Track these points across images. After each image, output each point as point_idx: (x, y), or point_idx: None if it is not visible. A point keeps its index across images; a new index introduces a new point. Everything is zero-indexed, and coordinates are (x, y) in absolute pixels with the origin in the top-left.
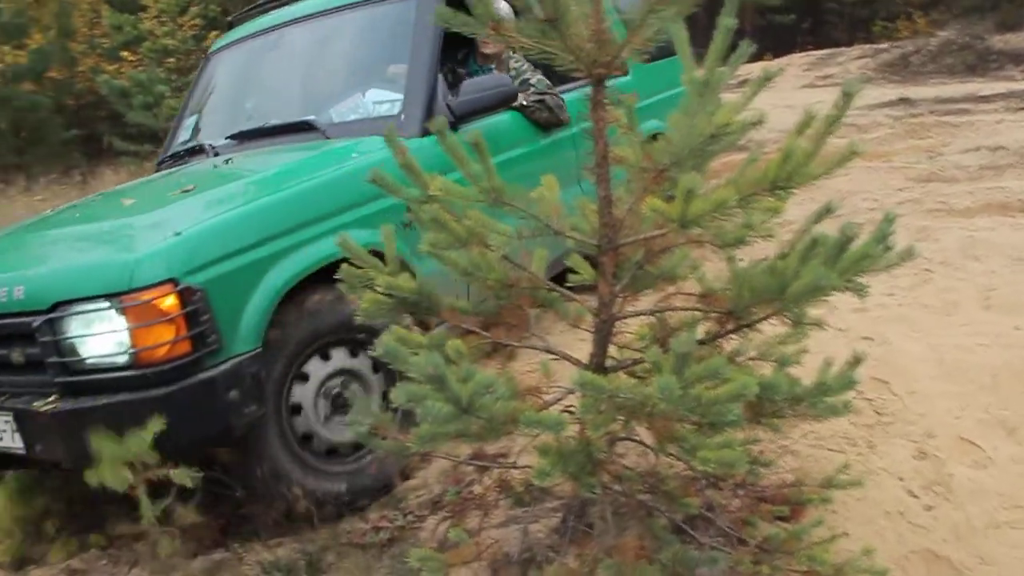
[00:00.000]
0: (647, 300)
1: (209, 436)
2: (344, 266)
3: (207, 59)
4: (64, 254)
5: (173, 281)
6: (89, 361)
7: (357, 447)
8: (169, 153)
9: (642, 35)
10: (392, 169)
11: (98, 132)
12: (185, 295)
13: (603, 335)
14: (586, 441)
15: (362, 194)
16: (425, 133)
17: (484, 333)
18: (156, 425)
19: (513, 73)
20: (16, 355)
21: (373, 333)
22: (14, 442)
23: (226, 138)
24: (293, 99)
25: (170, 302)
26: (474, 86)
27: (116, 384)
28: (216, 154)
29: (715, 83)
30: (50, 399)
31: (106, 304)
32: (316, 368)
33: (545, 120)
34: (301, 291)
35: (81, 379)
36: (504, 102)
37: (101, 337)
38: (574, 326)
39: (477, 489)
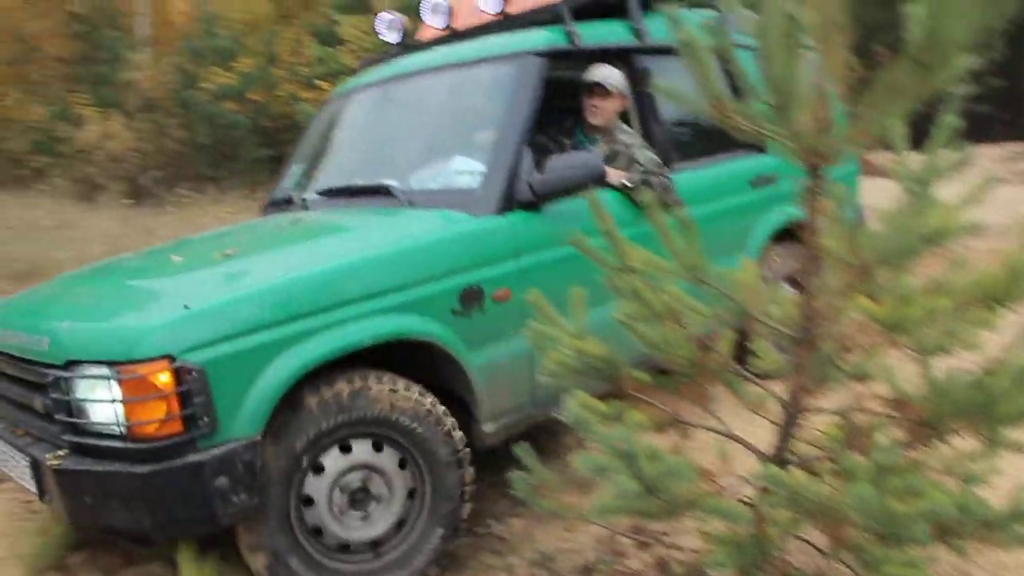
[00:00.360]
0: (833, 396)
1: (192, 521)
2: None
3: (324, 104)
4: (91, 311)
5: (169, 357)
6: (92, 425)
7: (375, 544)
8: (270, 200)
9: (866, 129)
10: (458, 248)
11: (287, 154)
12: (181, 373)
13: (788, 427)
14: (763, 536)
15: (409, 276)
16: (505, 209)
17: (663, 407)
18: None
19: (621, 147)
20: (38, 404)
21: (395, 428)
22: (31, 486)
23: (316, 192)
24: (385, 158)
25: (164, 379)
26: (560, 163)
27: (112, 453)
28: (305, 208)
29: (930, 180)
30: (60, 453)
31: (106, 371)
32: (333, 460)
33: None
34: (321, 377)
35: (85, 441)
36: (590, 183)
37: (101, 404)
38: (753, 411)
39: (633, 564)
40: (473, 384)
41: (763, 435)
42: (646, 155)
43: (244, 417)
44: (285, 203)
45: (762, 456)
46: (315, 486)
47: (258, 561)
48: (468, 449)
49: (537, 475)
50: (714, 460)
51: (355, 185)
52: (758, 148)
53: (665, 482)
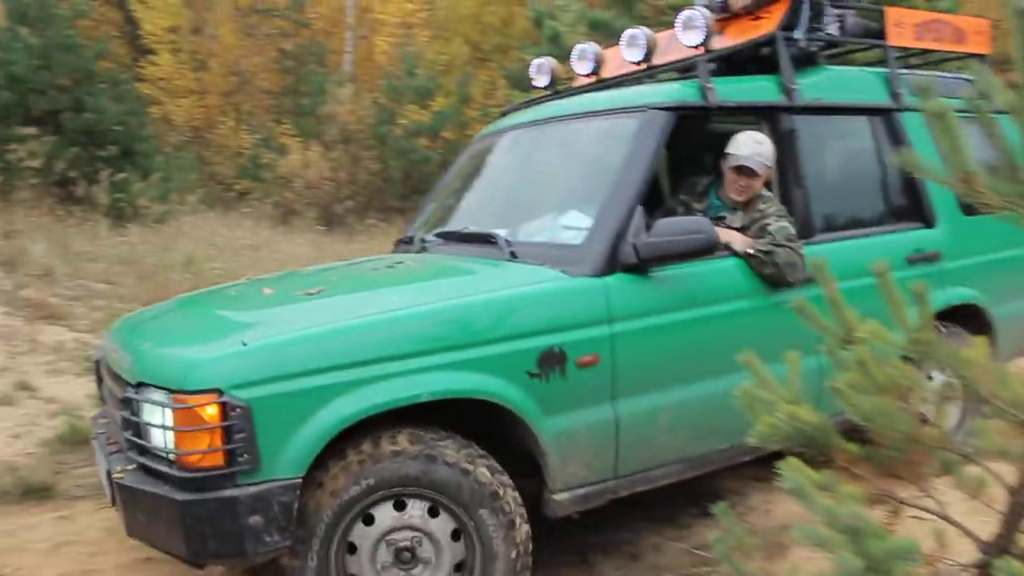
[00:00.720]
0: None
1: (223, 554)
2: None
3: (467, 146)
4: (172, 335)
5: (218, 391)
6: (150, 446)
7: None
8: (402, 237)
9: None
10: (540, 308)
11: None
12: (227, 408)
13: (1014, 517)
14: None
15: (479, 333)
16: (606, 271)
17: (876, 483)
18: None
19: (756, 214)
20: (119, 418)
21: (448, 495)
22: (107, 493)
23: (433, 235)
24: (505, 205)
25: (211, 412)
26: (667, 227)
27: (163, 476)
28: (422, 249)
29: None
30: (127, 468)
31: (164, 398)
32: (384, 515)
33: (769, 276)
34: (381, 429)
35: (146, 461)
36: (697, 252)
37: (157, 428)
38: (972, 496)
39: None
40: (545, 450)
41: (980, 521)
42: (778, 224)
43: (287, 458)
44: (408, 242)
45: (982, 544)
46: (361, 534)
47: None
48: (527, 532)
49: (736, 537)
50: (928, 543)
51: (465, 231)
52: (921, 221)
53: (889, 563)
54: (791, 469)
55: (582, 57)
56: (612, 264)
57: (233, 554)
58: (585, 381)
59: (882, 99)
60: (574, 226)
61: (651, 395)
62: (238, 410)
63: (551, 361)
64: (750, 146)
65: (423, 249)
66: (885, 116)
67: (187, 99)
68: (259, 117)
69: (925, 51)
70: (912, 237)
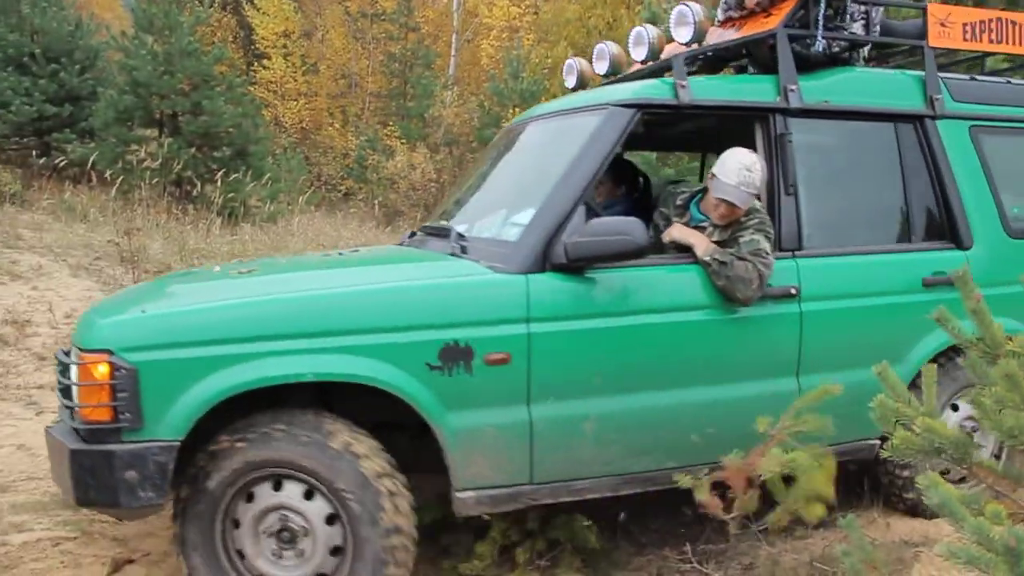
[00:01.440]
0: None
1: (102, 503)
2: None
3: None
4: (112, 305)
5: (108, 352)
6: (69, 402)
7: None
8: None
9: None
10: (447, 302)
11: None
12: (115, 368)
13: None
14: None
15: (376, 321)
16: (535, 269)
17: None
18: None
19: (736, 227)
20: None
21: (320, 478)
22: None
23: (420, 229)
24: (480, 201)
25: (102, 370)
26: (596, 227)
27: (73, 429)
28: (411, 242)
29: None
30: (56, 421)
31: (75, 358)
32: (263, 493)
33: (721, 288)
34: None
35: (67, 415)
36: (624, 254)
37: (71, 385)
38: None
39: None
40: (446, 446)
41: None
42: (750, 237)
43: (168, 421)
44: (412, 236)
45: None
46: (244, 510)
47: (181, 555)
48: (405, 521)
49: (864, 552)
50: None
51: (434, 226)
52: (952, 241)
53: None
54: (933, 485)
55: (638, 43)
56: (543, 263)
57: (110, 504)
58: (494, 380)
59: (914, 104)
60: (520, 223)
61: (574, 402)
62: (124, 371)
63: (454, 355)
64: (738, 174)
65: (411, 242)
66: (916, 123)
67: (297, 102)
68: (366, 119)
69: (985, 54)
70: (933, 258)
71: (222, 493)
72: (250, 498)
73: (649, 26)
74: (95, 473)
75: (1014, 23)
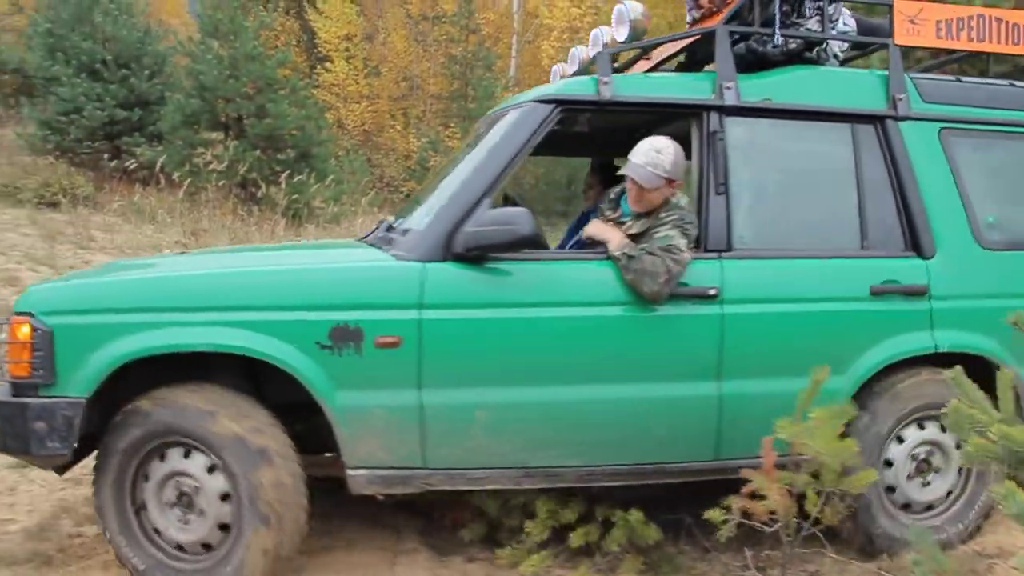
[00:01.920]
0: None
1: (16, 450)
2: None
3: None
4: (51, 280)
5: (30, 314)
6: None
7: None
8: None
9: None
10: (340, 285)
11: None
12: (35, 329)
13: None
14: None
15: (273, 300)
16: (436, 258)
17: None
18: None
19: (655, 222)
20: None
21: (213, 449)
22: None
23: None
24: (424, 196)
25: (24, 331)
26: (484, 218)
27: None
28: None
29: None
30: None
31: (6, 319)
32: (174, 457)
33: (629, 283)
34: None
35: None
36: (509, 244)
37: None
38: None
39: None
40: (334, 423)
41: None
42: (665, 233)
43: (76, 380)
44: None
45: None
46: (155, 468)
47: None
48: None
49: (937, 561)
50: None
51: (384, 220)
52: (912, 249)
53: None
54: (1010, 494)
55: (619, 21)
56: (444, 252)
57: (22, 451)
58: (384, 362)
59: (875, 105)
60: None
61: (468, 390)
62: (41, 332)
63: (345, 336)
64: (646, 155)
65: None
66: (876, 124)
67: (359, 104)
68: (427, 121)
69: (972, 53)
70: (887, 265)
71: (132, 455)
72: (163, 457)
73: (632, 3)
74: (12, 422)
75: (999, 20)
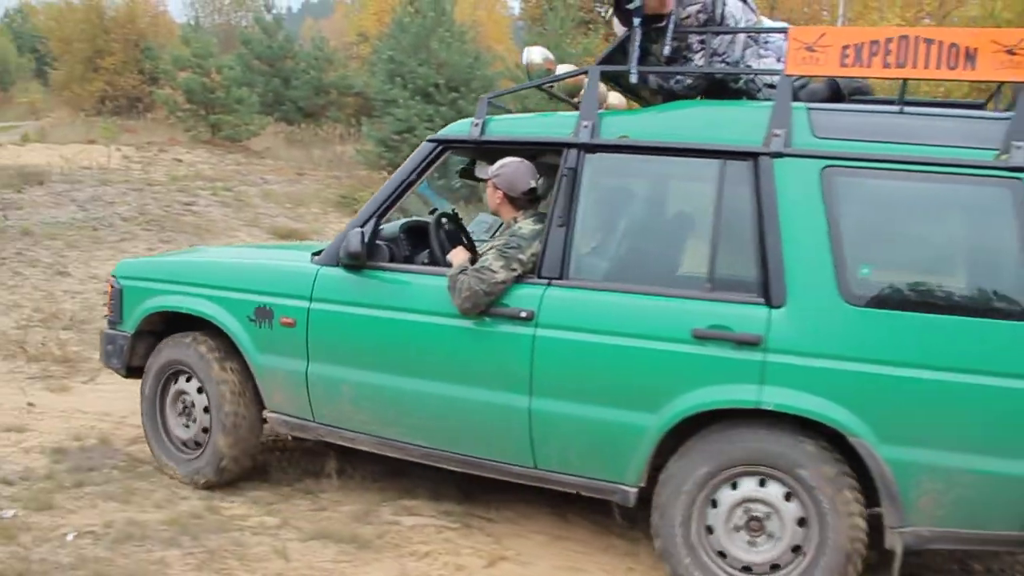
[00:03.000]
0: None
1: (112, 366)
2: None
3: None
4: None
5: (115, 277)
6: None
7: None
8: None
9: None
10: (265, 278)
11: None
12: (113, 287)
13: None
14: None
15: (228, 283)
16: (335, 264)
17: None
18: None
19: (496, 241)
20: None
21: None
22: None
23: None
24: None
25: (111, 288)
26: (340, 236)
27: None
28: None
29: None
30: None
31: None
32: (181, 383)
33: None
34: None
35: None
36: (348, 257)
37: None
38: None
39: None
40: (255, 376)
41: None
42: (489, 254)
43: (129, 322)
44: None
45: None
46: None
47: None
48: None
49: None
50: None
51: None
52: (760, 295)
53: None
54: None
55: (525, 61)
56: (336, 260)
57: (106, 365)
58: (285, 336)
59: (750, 141)
60: None
61: (336, 367)
62: (116, 289)
63: (263, 314)
64: (495, 166)
65: None
66: (751, 161)
67: None
68: None
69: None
70: (716, 310)
71: (159, 377)
72: (176, 380)
73: (534, 49)
74: (102, 345)
75: (929, 40)
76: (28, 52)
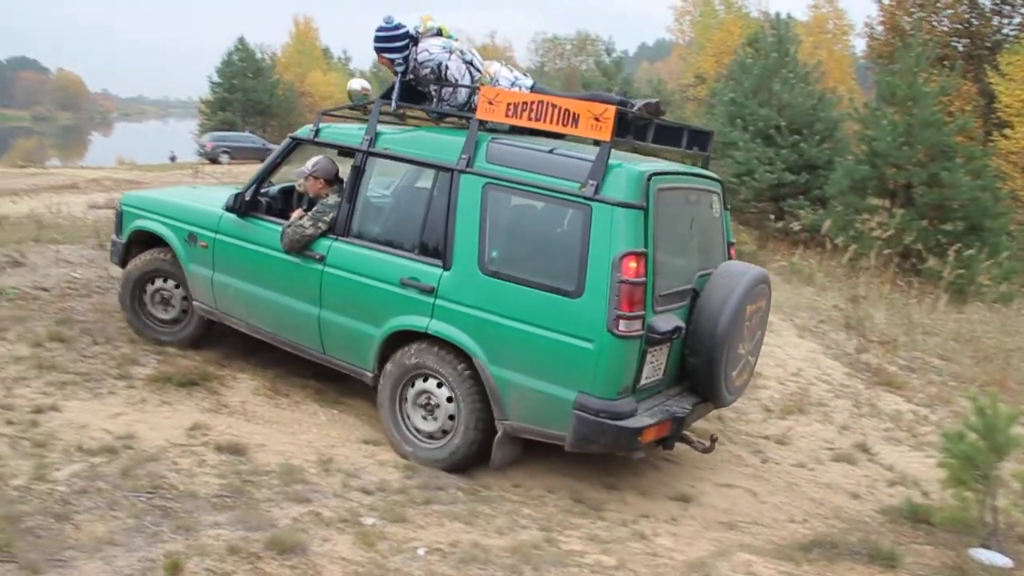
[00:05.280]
0: None
1: (112, 260)
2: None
3: None
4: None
5: (120, 204)
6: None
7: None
8: None
9: None
10: (196, 215)
11: None
12: (118, 210)
13: None
14: None
15: (176, 217)
16: (232, 211)
17: None
18: None
19: (312, 208)
20: None
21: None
22: None
23: None
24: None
25: (117, 210)
26: (236, 191)
27: None
28: None
29: None
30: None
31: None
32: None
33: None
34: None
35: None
36: (231, 208)
37: None
38: None
39: None
40: (185, 278)
41: None
42: (306, 217)
43: (122, 234)
44: None
45: None
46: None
47: None
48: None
49: None
50: None
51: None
52: (441, 261)
53: None
54: None
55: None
56: (231, 209)
57: (114, 262)
58: (203, 254)
59: (450, 159)
60: None
61: (226, 277)
62: (119, 211)
63: (191, 238)
64: (310, 163)
65: None
66: (450, 173)
67: None
68: None
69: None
70: (415, 267)
71: (139, 277)
72: (152, 282)
73: (356, 80)
74: (110, 248)
75: (554, 105)
76: None
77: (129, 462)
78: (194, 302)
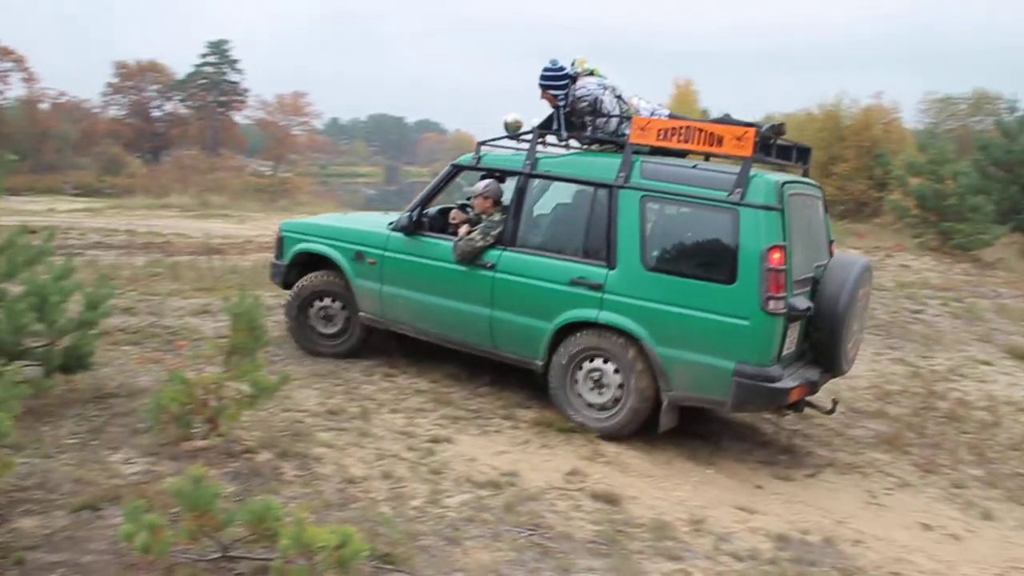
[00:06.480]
0: None
1: (273, 281)
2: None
3: None
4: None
5: (280, 229)
6: None
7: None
8: None
9: None
10: (362, 236)
11: None
12: (279, 236)
13: None
14: None
15: (343, 239)
16: (397, 230)
17: None
18: None
19: (481, 224)
20: None
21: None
22: None
23: None
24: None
25: (278, 237)
26: (403, 214)
27: None
28: None
29: None
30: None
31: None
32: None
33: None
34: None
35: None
36: (401, 227)
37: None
38: None
39: None
40: (353, 291)
41: None
42: (476, 232)
43: (285, 257)
44: None
45: None
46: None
47: None
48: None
49: None
50: None
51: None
52: (605, 262)
53: None
54: None
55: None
56: (399, 228)
57: (276, 283)
58: (370, 270)
59: (608, 178)
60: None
61: (396, 288)
62: (279, 236)
63: (360, 256)
64: (481, 185)
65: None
66: (609, 189)
67: None
68: None
69: (692, 152)
70: (582, 268)
71: (308, 296)
72: (321, 299)
73: (510, 115)
74: (273, 270)
75: (700, 129)
76: None
77: (512, 498)
78: (360, 313)
